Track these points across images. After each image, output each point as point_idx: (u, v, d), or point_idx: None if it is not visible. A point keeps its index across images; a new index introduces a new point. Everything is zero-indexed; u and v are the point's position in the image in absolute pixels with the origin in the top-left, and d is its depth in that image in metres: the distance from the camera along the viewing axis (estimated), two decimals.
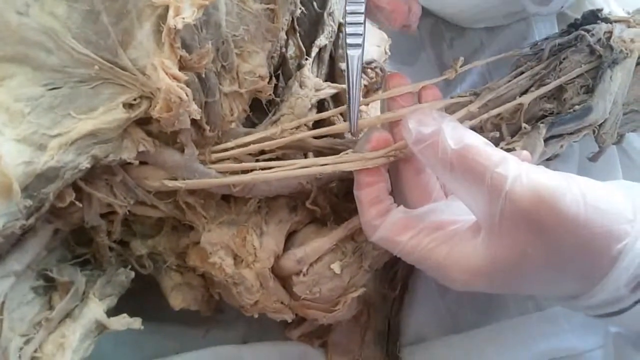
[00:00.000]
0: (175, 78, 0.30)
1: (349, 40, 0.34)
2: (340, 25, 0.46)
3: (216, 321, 0.44)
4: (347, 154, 0.35)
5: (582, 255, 0.28)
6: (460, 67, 0.40)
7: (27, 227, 0.29)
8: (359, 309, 0.42)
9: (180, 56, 0.30)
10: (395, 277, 0.45)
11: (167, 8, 0.29)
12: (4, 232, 0.28)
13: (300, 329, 0.42)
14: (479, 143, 0.30)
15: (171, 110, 0.30)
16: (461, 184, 0.30)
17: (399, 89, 0.35)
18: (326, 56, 0.46)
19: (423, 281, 0.45)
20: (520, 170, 0.28)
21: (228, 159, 0.36)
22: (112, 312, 0.36)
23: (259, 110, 0.42)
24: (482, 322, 0.44)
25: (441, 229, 0.32)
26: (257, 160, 0.36)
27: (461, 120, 0.37)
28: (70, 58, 0.29)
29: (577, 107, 0.39)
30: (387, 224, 0.33)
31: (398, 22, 0.36)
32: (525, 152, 0.35)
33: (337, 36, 0.46)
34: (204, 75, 0.32)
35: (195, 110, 0.31)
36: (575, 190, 0.28)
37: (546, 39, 0.43)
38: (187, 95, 0.30)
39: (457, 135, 0.30)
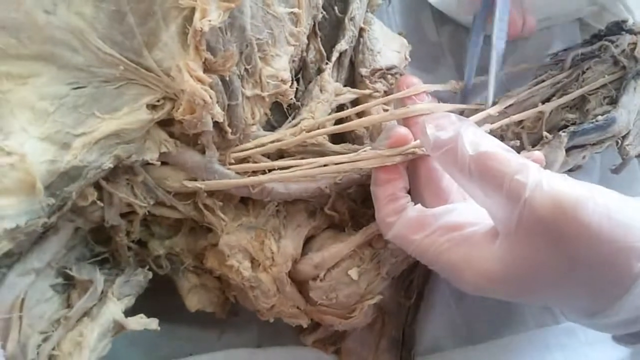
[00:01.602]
0: (199, 80, 0.30)
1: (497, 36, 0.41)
2: (361, 30, 0.46)
3: (230, 324, 0.44)
4: (365, 151, 0.35)
5: (601, 270, 0.27)
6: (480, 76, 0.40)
7: (48, 225, 0.30)
8: (374, 317, 0.42)
9: (205, 59, 0.30)
10: (411, 286, 0.44)
11: (193, 10, 0.29)
12: (26, 229, 0.28)
13: (315, 335, 0.42)
14: (498, 149, 0.30)
15: (194, 113, 0.31)
16: (480, 189, 0.30)
17: (413, 88, 0.35)
18: (346, 61, 0.45)
19: (439, 290, 0.44)
20: (541, 178, 0.28)
21: (248, 161, 0.36)
22: (128, 311, 0.36)
23: (279, 113, 0.42)
24: (499, 334, 0.43)
25: (457, 230, 0.31)
26: None
27: (480, 124, 0.37)
28: (96, 58, 0.30)
29: (600, 117, 0.39)
30: (402, 222, 0.32)
31: (511, 33, 0.39)
32: (537, 153, 0.35)
33: (358, 41, 0.46)
34: (227, 78, 0.32)
35: (218, 113, 0.31)
36: (599, 202, 0.27)
37: (566, 49, 0.43)
38: (210, 98, 0.30)
39: (476, 141, 0.30)
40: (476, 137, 0.30)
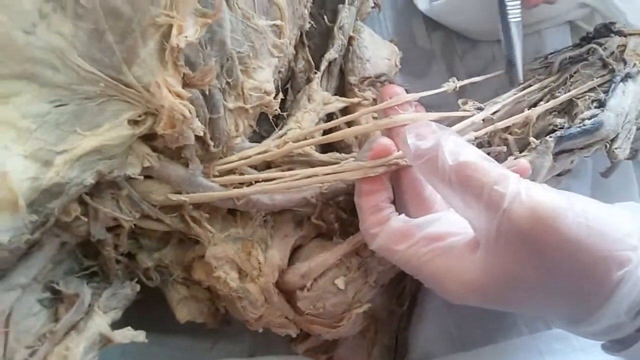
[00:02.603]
0: (178, 96, 0.30)
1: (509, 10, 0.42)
2: (350, 38, 0.46)
3: (223, 334, 0.44)
4: (348, 162, 0.35)
5: (581, 279, 0.27)
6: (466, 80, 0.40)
7: (32, 241, 0.30)
8: (365, 324, 0.42)
9: (184, 74, 0.30)
10: (404, 293, 0.44)
11: (170, 26, 0.30)
12: (9, 246, 0.29)
13: (306, 344, 0.42)
14: (478, 159, 0.30)
15: (175, 127, 0.31)
16: (460, 199, 0.30)
17: (395, 98, 0.35)
18: (336, 70, 0.46)
19: (431, 297, 0.44)
20: (519, 188, 0.28)
21: (233, 173, 0.36)
22: (120, 323, 0.36)
23: (268, 124, 0.42)
24: (491, 340, 0.43)
25: (440, 240, 0.31)
26: None
27: (464, 132, 0.37)
28: (76, 75, 0.30)
29: (587, 121, 0.38)
30: (385, 233, 0.33)
31: (533, 2, 0.41)
32: (523, 161, 0.35)
33: (347, 50, 0.46)
34: (207, 92, 0.32)
35: (198, 127, 0.32)
36: (577, 211, 0.27)
37: (554, 52, 0.43)
38: (190, 113, 0.31)
39: (456, 150, 0.30)
40: (456, 147, 0.30)
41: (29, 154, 0.29)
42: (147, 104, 0.31)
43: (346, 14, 0.46)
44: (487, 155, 0.31)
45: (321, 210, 0.39)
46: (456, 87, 0.41)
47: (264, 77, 0.36)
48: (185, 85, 0.31)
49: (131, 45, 0.30)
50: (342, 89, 0.46)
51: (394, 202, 0.35)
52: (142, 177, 0.33)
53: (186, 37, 0.29)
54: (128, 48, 0.30)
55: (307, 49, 0.44)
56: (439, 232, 0.32)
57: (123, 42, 0.30)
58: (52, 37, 0.29)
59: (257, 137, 0.41)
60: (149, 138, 0.33)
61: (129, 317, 0.39)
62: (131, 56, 0.30)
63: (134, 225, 0.35)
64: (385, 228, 0.33)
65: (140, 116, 0.32)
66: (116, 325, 0.36)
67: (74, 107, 0.30)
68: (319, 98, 0.43)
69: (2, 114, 0.29)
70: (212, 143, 0.34)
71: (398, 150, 0.35)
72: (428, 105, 0.44)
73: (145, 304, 0.39)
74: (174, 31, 0.29)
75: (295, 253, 0.39)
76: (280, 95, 0.40)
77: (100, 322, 0.33)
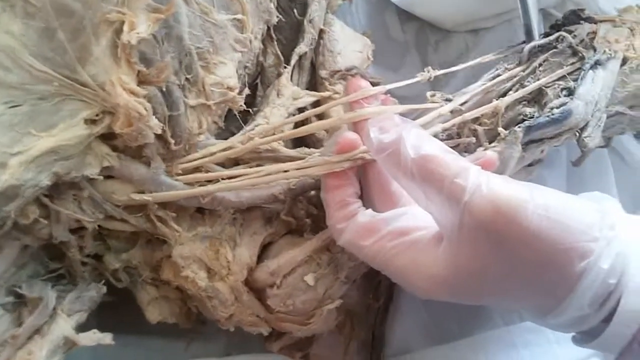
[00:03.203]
0: (133, 93, 0.30)
1: None
2: (321, 31, 0.46)
3: (199, 333, 0.43)
4: (313, 157, 0.35)
5: (543, 271, 0.27)
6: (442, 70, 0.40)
7: None
8: (341, 320, 0.42)
9: (139, 71, 0.30)
10: (379, 287, 0.44)
11: (123, 23, 0.29)
12: None
13: (281, 342, 0.42)
14: (440, 152, 0.29)
15: (132, 125, 0.30)
16: (422, 193, 0.30)
17: (362, 91, 0.35)
18: (307, 64, 0.45)
19: (407, 292, 0.44)
20: (480, 181, 0.28)
21: (199, 170, 0.36)
22: (93, 325, 0.36)
23: (238, 121, 0.42)
24: (467, 333, 0.43)
25: (405, 234, 0.31)
26: None
27: (432, 124, 0.37)
28: (29, 75, 0.29)
29: (555, 110, 0.38)
30: (351, 228, 0.32)
31: None
32: (490, 153, 0.34)
33: (318, 43, 0.46)
34: (165, 89, 0.32)
35: (156, 125, 0.31)
36: (538, 203, 0.27)
37: (523, 41, 0.42)
38: (146, 110, 0.30)
39: (418, 143, 0.29)
40: (418, 140, 0.30)
41: None
42: (103, 103, 0.31)
43: (316, 7, 0.45)
44: (449, 148, 0.30)
45: (291, 206, 0.38)
46: (430, 77, 0.40)
47: (226, 73, 0.35)
48: (141, 82, 0.30)
49: (84, 43, 0.29)
50: (313, 83, 0.46)
51: (361, 197, 0.35)
52: (102, 178, 0.33)
53: (138, 33, 0.29)
54: (80, 46, 0.29)
55: (275, 43, 0.44)
56: (405, 226, 0.31)
57: (75, 40, 0.29)
58: (2, 36, 0.29)
59: (228, 134, 0.40)
60: (108, 137, 0.32)
61: (102, 320, 0.38)
62: (84, 54, 0.30)
63: (99, 226, 0.35)
64: (352, 223, 0.33)
65: (97, 115, 0.31)
66: (88, 327, 0.35)
67: (28, 107, 0.30)
68: (288, 93, 0.42)
69: None
70: (172, 141, 0.33)
71: (364, 145, 0.34)
72: (404, 97, 0.43)
73: (120, 305, 0.39)
74: (126, 28, 0.29)
75: (265, 250, 0.39)
76: (247, 91, 0.39)
77: (64, 326, 0.33)
